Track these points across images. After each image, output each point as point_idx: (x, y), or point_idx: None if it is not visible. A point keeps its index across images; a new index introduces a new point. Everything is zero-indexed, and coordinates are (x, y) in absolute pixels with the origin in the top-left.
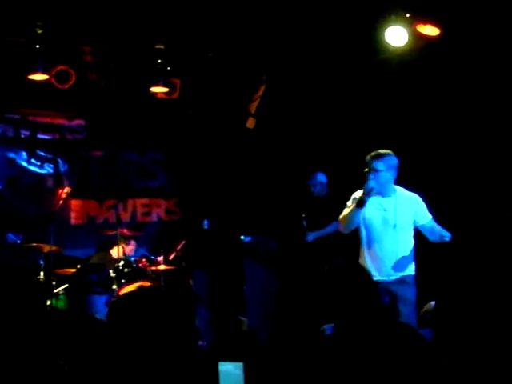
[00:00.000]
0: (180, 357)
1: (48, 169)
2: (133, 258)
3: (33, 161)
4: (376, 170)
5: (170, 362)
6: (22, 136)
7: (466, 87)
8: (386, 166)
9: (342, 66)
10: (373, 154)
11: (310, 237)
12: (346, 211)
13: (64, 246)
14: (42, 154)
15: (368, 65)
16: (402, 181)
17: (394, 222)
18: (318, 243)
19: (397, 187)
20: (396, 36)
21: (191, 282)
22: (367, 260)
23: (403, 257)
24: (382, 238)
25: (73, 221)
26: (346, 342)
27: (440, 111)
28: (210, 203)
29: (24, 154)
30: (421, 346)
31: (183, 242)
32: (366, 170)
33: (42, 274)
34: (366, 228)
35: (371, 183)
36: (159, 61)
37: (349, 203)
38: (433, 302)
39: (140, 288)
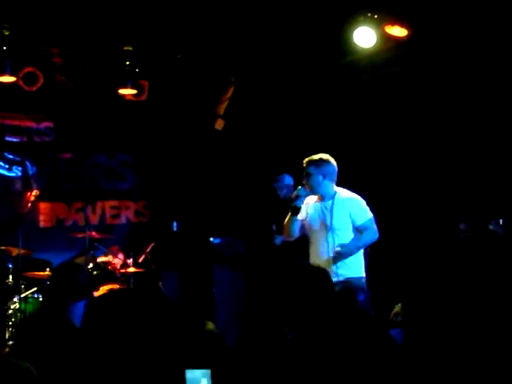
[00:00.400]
0: (149, 360)
1: (16, 172)
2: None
3: (0, 163)
4: (308, 174)
5: (140, 365)
6: None
7: (436, 88)
8: (317, 170)
9: (311, 68)
10: (307, 158)
11: (278, 240)
12: (285, 220)
13: (33, 249)
14: (10, 156)
15: (336, 66)
16: (372, 184)
17: (329, 224)
18: (285, 246)
19: (339, 190)
20: (364, 37)
21: (161, 284)
22: (313, 263)
23: (346, 259)
24: (321, 241)
25: (41, 224)
26: (307, 344)
27: (409, 113)
28: (178, 205)
29: None
30: (390, 346)
31: (152, 244)
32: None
33: (10, 277)
34: (310, 232)
35: (299, 190)
36: (127, 62)
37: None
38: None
39: (111, 291)
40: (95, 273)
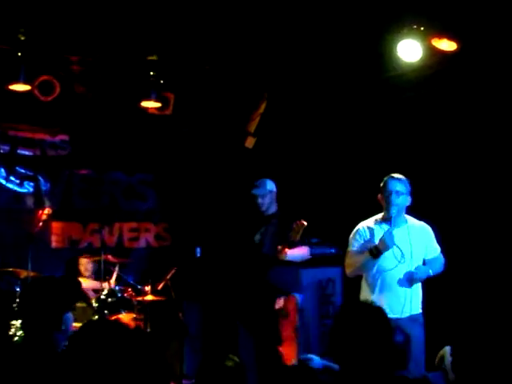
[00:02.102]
0: None
1: (28, 187)
2: (117, 287)
3: (12, 178)
4: (398, 193)
5: None
6: (1, 151)
7: (486, 107)
8: (406, 189)
9: (349, 84)
10: (391, 175)
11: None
12: (355, 259)
13: (43, 271)
14: (22, 171)
15: (377, 82)
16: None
17: (408, 255)
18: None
19: (406, 216)
20: (409, 51)
21: (181, 315)
22: (376, 295)
23: (414, 293)
24: (394, 273)
25: (53, 244)
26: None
27: (458, 134)
28: (202, 229)
29: (2, 170)
30: None
31: (173, 271)
32: (380, 195)
33: (17, 301)
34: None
35: (393, 213)
36: (152, 73)
37: (354, 243)
38: (448, 347)
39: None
40: (110, 300)
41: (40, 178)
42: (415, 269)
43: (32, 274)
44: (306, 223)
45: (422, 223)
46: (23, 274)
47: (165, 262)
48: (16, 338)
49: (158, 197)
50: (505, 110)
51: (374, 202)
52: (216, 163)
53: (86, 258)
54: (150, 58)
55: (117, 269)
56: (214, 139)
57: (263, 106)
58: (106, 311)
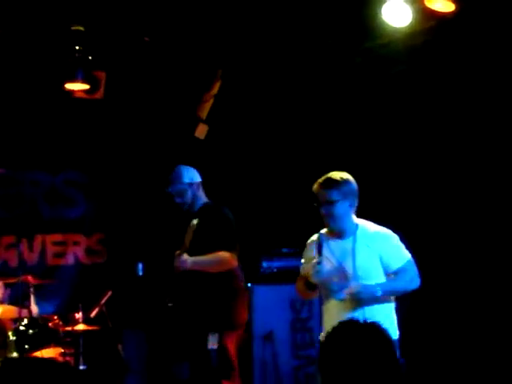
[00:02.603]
0: None
1: None
2: (40, 315)
3: None
4: (329, 202)
5: None
6: None
7: (489, 82)
8: (341, 195)
9: (323, 56)
10: (322, 179)
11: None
12: (299, 284)
13: None
14: None
15: (358, 53)
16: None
17: (351, 270)
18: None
19: (361, 222)
20: (397, 14)
21: (120, 347)
22: (326, 322)
23: (374, 316)
24: (339, 296)
25: None
26: None
27: (454, 113)
28: (146, 241)
29: None
30: None
31: (109, 294)
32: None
33: None
34: (322, 284)
35: (320, 239)
36: (77, 47)
37: (302, 262)
38: None
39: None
40: (31, 332)
41: None
42: (359, 288)
43: None
44: None
45: (377, 229)
46: None
47: (99, 283)
48: None
49: (90, 201)
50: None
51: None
52: (160, 158)
53: None
54: (75, 28)
55: (32, 292)
56: (157, 128)
57: (217, 87)
58: (26, 346)
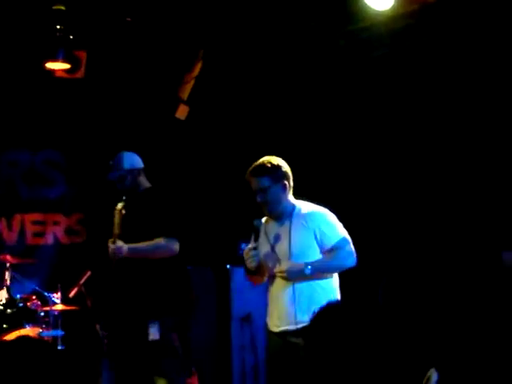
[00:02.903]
0: None
1: None
2: (18, 296)
3: None
4: (263, 190)
5: None
6: None
7: (475, 67)
8: (274, 180)
9: (305, 39)
10: (251, 169)
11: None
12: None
13: None
14: None
15: (339, 36)
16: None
17: (286, 253)
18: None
19: (298, 203)
20: None
21: (98, 327)
22: (268, 306)
23: (310, 298)
24: (276, 279)
25: None
26: None
27: (437, 102)
28: None
29: None
30: None
31: (88, 274)
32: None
33: None
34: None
35: (257, 224)
36: (58, 26)
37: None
38: (434, 375)
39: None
40: (9, 311)
41: None
42: (287, 267)
43: None
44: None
45: (313, 208)
46: None
47: (78, 263)
48: None
49: (70, 181)
50: (497, 72)
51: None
52: (140, 138)
53: None
54: (56, 7)
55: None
56: (138, 108)
57: (198, 67)
58: (4, 325)
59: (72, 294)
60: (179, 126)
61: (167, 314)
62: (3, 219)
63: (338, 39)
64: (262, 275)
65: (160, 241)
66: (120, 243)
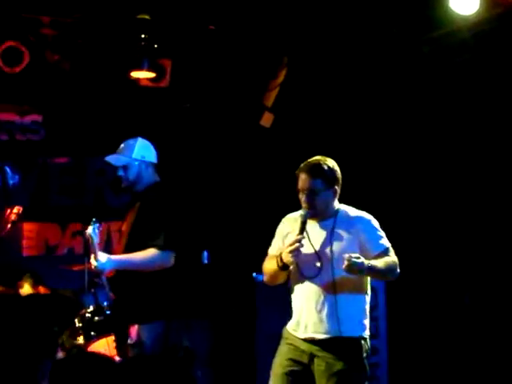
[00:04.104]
0: None
1: None
2: (106, 303)
3: None
4: (314, 192)
5: None
6: None
7: None
8: (326, 184)
9: (389, 45)
10: (307, 167)
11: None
12: (267, 265)
13: (13, 285)
14: None
15: (424, 42)
16: None
17: (328, 258)
18: None
19: (342, 206)
20: (464, 1)
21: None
22: (296, 311)
23: (346, 309)
24: (314, 283)
25: (25, 251)
26: None
27: None
28: (211, 229)
29: None
30: None
31: None
32: (301, 192)
33: None
34: (294, 272)
35: (303, 216)
36: (143, 36)
37: (273, 242)
38: None
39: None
40: (97, 319)
41: (7, 169)
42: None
43: (0, 289)
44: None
45: (358, 214)
46: None
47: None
48: None
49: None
50: None
51: (428, 195)
52: (226, 146)
53: None
54: (141, 16)
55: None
56: (223, 116)
57: (282, 75)
58: (92, 333)
59: None
60: (264, 134)
61: (143, 320)
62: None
63: (422, 46)
64: (286, 273)
65: (151, 254)
66: (102, 257)
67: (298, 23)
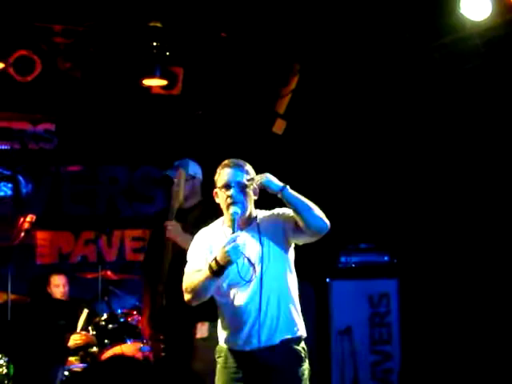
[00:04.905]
0: None
1: (5, 190)
2: (120, 311)
3: None
4: (245, 186)
5: None
6: None
7: None
8: (250, 176)
9: (401, 51)
10: (226, 162)
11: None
12: (191, 279)
13: (27, 293)
14: None
15: (434, 48)
16: None
17: (259, 257)
18: None
19: (256, 211)
20: (475, 7)
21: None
22: (226, 322)
23: (286, 311)
24: (246, 291)
25: (39, 259)
26: None
27: None
28: None
29: None
30: None
31: None
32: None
33: None
34: (223, 285)
35: (233, 215)
36: (155, 43)
37: (191, 259)
38: None
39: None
40: (111, 326)
41: (20, 177)
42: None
43: (13, 297)
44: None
45: (272, 211)
46: (2, 297)
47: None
48: None
49: (169, 196)
50: None
51: (442, 198)
52: (238, 153)
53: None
54: (153, 24)
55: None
56: (234, 124)
57: (294, 82)
58: (106, 340)
59: None
60: (276, 141)
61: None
62: (103, 236)
63: (433, 52)
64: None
65: None
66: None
67: (310, 30)
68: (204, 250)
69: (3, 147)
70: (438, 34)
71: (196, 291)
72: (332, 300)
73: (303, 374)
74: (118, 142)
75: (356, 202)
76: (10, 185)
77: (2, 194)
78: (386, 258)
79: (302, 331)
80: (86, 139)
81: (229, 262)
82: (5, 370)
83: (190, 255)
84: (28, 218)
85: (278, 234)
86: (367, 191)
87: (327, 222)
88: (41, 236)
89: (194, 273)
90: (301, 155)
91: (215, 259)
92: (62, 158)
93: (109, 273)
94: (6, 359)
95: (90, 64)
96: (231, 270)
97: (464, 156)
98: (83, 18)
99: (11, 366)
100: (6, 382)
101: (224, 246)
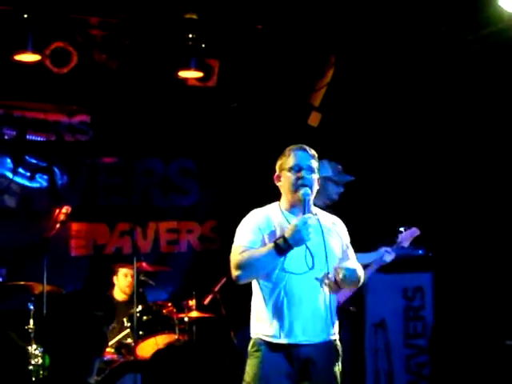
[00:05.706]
0: None
1: (41, 181)
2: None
3: (20, 170)
4: (311, 170)
5: None
6: (6, 137)
7: None
8: (314, 162)
9: (437, 43)
10: (298, 146)
11: None
12: (249, 255)
13: (62, 284)
14: (33, 161)
15: (473, 40)
16: None
17: (321, 258)
18: None
19: (313, 206)
20: None
21: (233, 335)
22: (274, 310)
23: (334, 310)
24: (302, 281)
25: (74, 251)
26: None
27: None
28: None
29: (8, 161)
30: None
31: (223, 281)
32: (278, 174)
33: (31, 322)
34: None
35: (305, 193)
36: (191, 35)
37: (247, 236)
38: None
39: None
40: (145, 318)
41: (55, 169)
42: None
43: (49, 288)
44: None
45: (333, 216)
46: (38, 288)
47: (212, 270)
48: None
49: (203, 189)
50: None
51: (478, 192)
52: (273, 145)
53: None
54: (189, 16)
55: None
56: (270, 116)
57: (330, 74)
58: (140, 332)
59: (207, 301)
60: (312, 134)
61: None
62: (138, 228)
63: (471, 44)
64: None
65: None
66: None
67: (346, 22)
68: (261, 229)
69: (39, 139)
70: (475, 26)
71: (252, 268)
72: (367, 293)
73: (339, 373)
74: (152, 134)
75: (391, 196)
76: (45, 176)
77: (37, 185)
78: (420, 252)
79: (337, 330)
80: (121, 131)
81: (299, 242)
82: (40, 361)
83: (243, 232)
84: (63, 210)
85: (337, 241)
86: (402, 184)
87: (360, 284)
88: (76, 228)
89: (249, 250)
90: (336, 148)
91: (283, 237)
92: (98, 149)
93: (144, 264)
94: (41, 349)
95: (125, 56)
96: (294, 254)
97: (505, 151)
98: (119, 11)
99: (46, 357)
100: (41, 372)
101: (296, 225)
